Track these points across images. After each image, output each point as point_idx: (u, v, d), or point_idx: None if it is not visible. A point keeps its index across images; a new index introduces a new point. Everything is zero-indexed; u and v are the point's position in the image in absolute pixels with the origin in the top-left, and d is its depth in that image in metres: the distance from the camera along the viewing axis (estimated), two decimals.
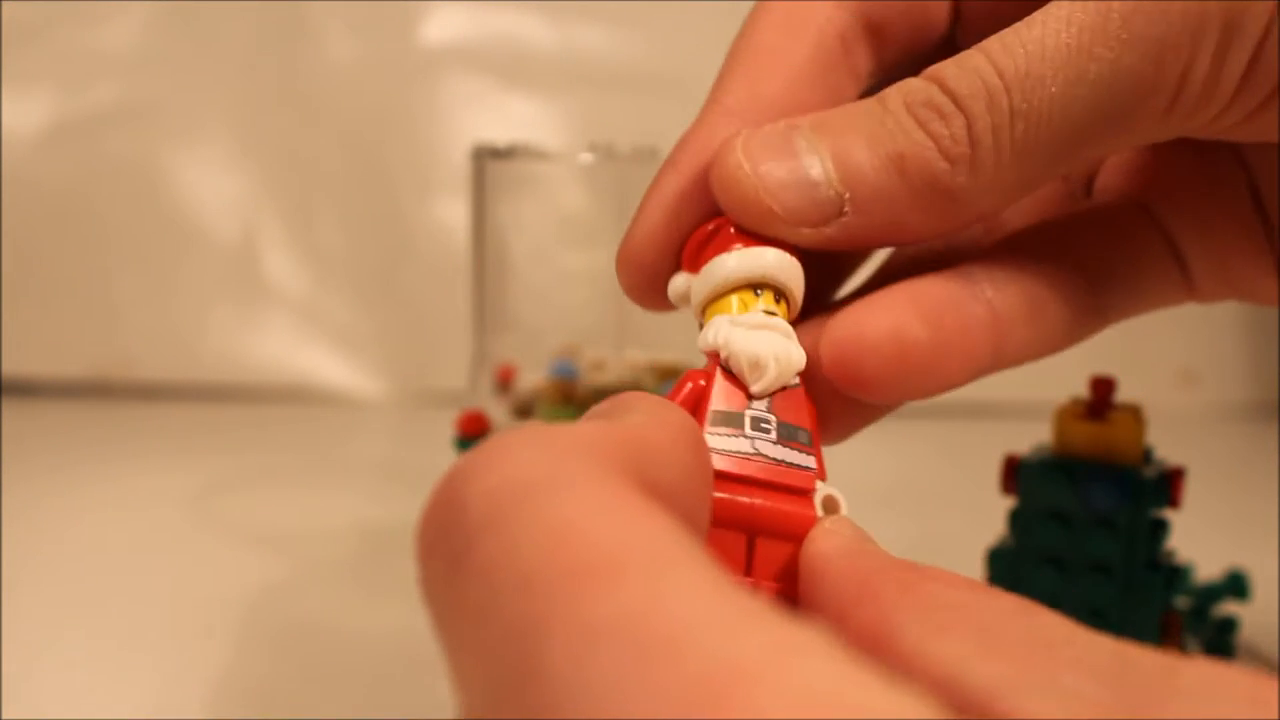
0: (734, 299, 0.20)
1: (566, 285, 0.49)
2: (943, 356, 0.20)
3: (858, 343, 0.20)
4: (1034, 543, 0.30)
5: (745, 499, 0.19)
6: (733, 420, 0.19)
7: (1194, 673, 0.13)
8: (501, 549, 0.13)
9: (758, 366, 0.20)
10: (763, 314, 0.20)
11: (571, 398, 0.40)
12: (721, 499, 0.18)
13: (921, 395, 0.21)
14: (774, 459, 0.19)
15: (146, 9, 0.71)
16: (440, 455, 0.40)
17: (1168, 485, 0.30)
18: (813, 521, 0.19)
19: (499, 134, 0.65)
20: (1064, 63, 0.19)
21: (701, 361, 0.20)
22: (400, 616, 0.40)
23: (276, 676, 0.36)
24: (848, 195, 0.20)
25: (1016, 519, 0.31)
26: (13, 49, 0.70)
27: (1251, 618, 0.36)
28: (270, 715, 0.33)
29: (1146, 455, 0.30)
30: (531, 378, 0.43)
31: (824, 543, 0.18)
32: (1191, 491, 0.31)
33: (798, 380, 0.20)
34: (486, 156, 0.45)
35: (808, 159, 0.20)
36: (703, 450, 0.17)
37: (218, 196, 0.72)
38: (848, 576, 0.17)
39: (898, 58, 0.24)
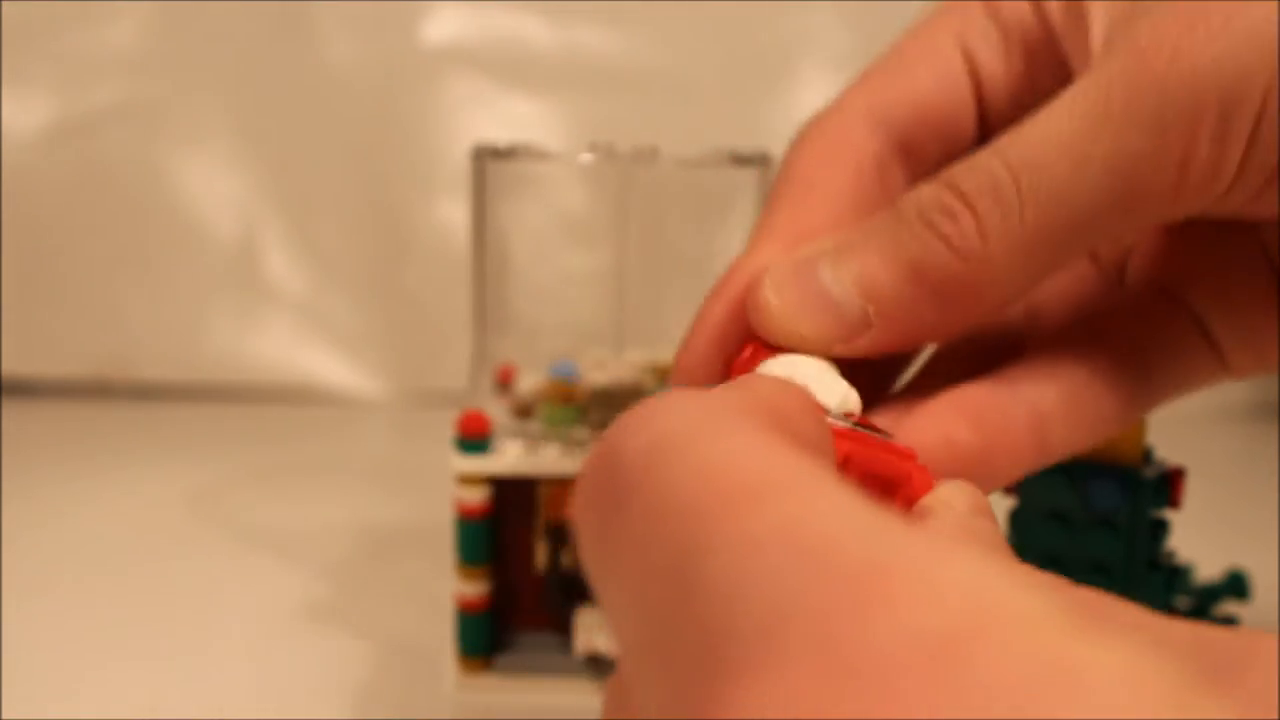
0: None
1: (566, 285, 0.49)
2: (990, 458, 0.22)
3: (905, 443, 0.21)
4: (1034, 543, 0.30)
5: (869, 450, 0.19)
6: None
7: (1269, 646, 0.14)
8: (663, 485, 0.13)
9: (821, 381, 0.21)
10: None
11: (571, 398, 0.40)
12: (848, 448, 0.19)
13: None
14: (874, 430, 0.20)
15: (146, 9, 0.71)
16: (440, 455, 0.40)
17: (1168, 485, 0.30)
18: (929, 480, 0.19)
19: (499, 134, 0.65)
20: (1068, 147, 0.20)
21: None
22: (400, 616, 0.40)
23: (276, 676, 0.36)
24: (872, 309, 0.21)
25: (1017, 519, 0.31)
26: (13, 49, 0.70)
27: (1251, 618, 0.36)
28: (270, 715, 0.33)
29: (1146, 455, 0.30)
30: (531, 378, 0.43)
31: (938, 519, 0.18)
32: (1191, 491, 0.31)
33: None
34: (486, 156, 0.45)
35: (831, 284, 0.22)
36: (824, 422, 0.18)
37: (218, 196, 0.72)
38: None
39: (930, 169, 0.25)
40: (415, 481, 0.53)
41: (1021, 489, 0.31)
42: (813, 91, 0.73)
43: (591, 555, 0.15)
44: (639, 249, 0.47)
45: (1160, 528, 0.31)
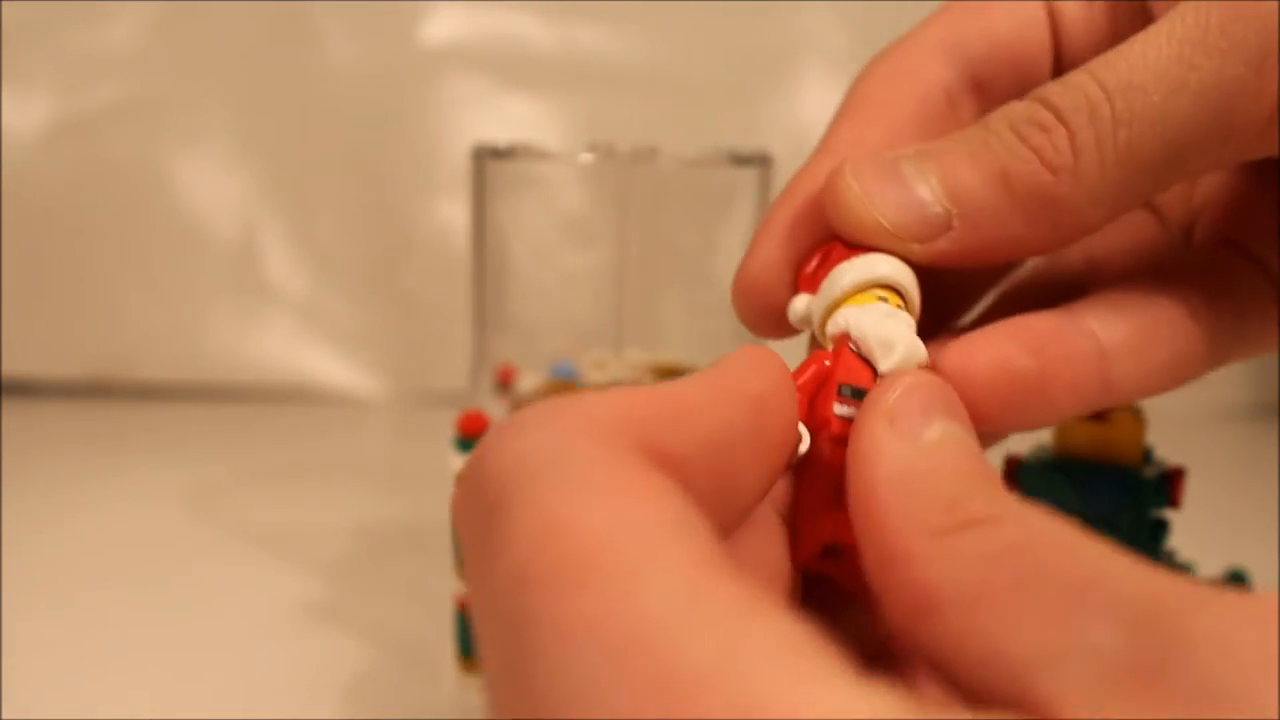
0: (856, 301, 0.21)
1: (566, 285, 0.49)
2: (1049, 386, 0.21)
3: (965, 373, 0.20)
4: None
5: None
6: (858, 395, 0.19)
7: (1208, 623, 0.13)
8: (502, 541, 0.13)
9: (886, 344, 0.20)
10: (890, 306, 0.20)
11: None
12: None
13: (1031, 424, 0.21)
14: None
15: (146, 9, 0.71)
16: (440, 455, 0.40)
17: (1168, 485, 0.30)
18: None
19: (499, 134, 0.65)
20: (1164, 72, 0.20)
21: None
22: (400, 616, 0.40)
23: (276, 676, 0.36)
24: (955, 211, 0.21)
25: None
26: (13, 49, 0.70)
27: None
28: (269, 714, 0.33)
29: (1146, 455, 0.30)
30: (531, 378, 0.43)
31: (872, 467, 0.17)
32: (1191, 491, 0.31)
33: None
34: (486, 156, 0.45)
35: (914, 179, 0.21)
36: (767, 412, 0.17)
37: (218, 196, 0.72)
38: (887, 526, 0.16)
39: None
40: (415, 481, 0.53)
41: (1021, 489, 0.31)
42: (813, 91, 0.73)
43: (465, 565, 0.15)
44: (639, 249, 0.47)
45: (1160, 528, 0.31)
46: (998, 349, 0.21)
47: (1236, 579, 0.36)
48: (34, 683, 0.35)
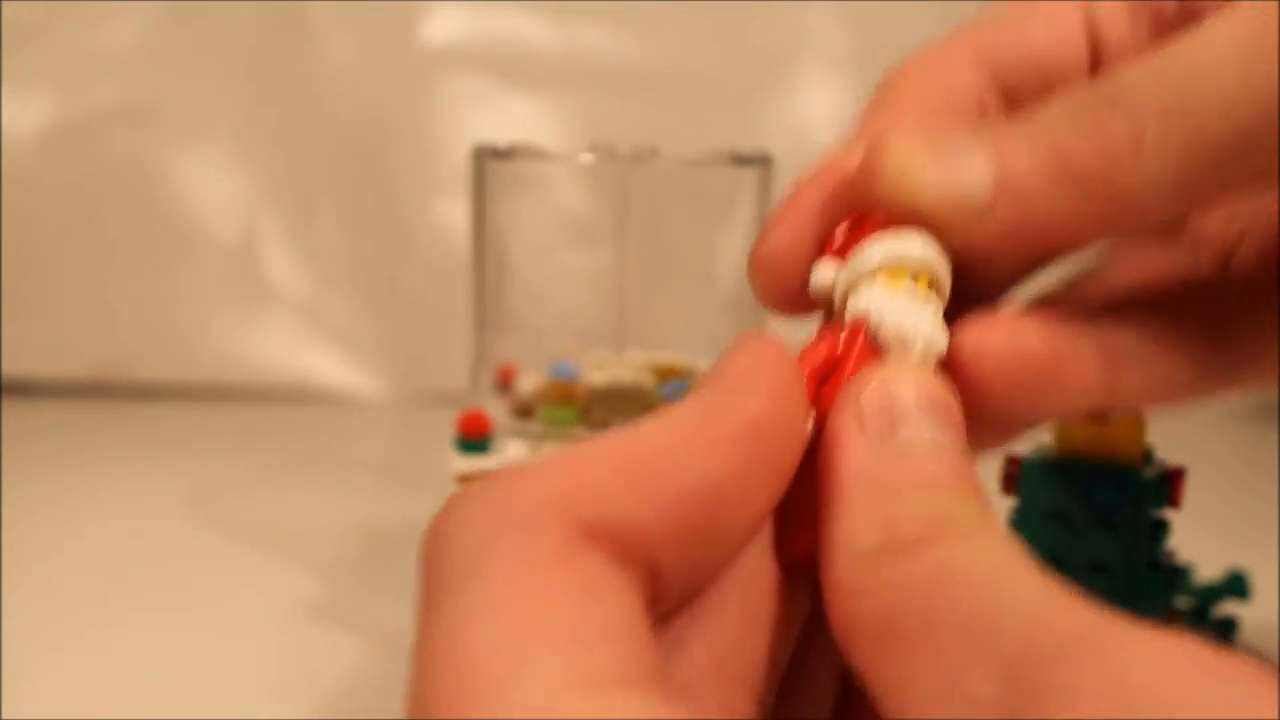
0: (884, 279, 0.20)
1: (566, 285, 0.49)
2: (1058, 374, 0.21)
3: (981, 347, 0.20)
4: (1034, 543, 0.30)
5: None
6: None
7: (1063, 676, 0.13)
8: (422, 637, 0.15)
9: (904, 339, 0.19)
10: (919, 289, 0.20)
11: (571, 398, 0.40)
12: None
13: (1036, 411, 0.21)
14: None
15: (146, 9, 0.71)
16: (440, 455, 0.40)
17: (1168, 485, 0.30)
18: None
19: (499, 134, 0.65)
20: (1228, 66, 0.19)
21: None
22: (400, 616, 0.40)
23: (275, 676, 0.36)
24: (1003, 191, 0.20)
25: (1017, 520, 0.31)
26: (13, 49, 0.70)
27: (1251, 618, 0.36)
28: (269, 714, 0.33)
29: (1146, 455, 0.30)
30: (531, 378, 0.43)
31: (834, 469, 0.17)
32: (1191, 491, 0.31)
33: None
34: (486, 156, 0.45)
35: (962, 153, 0.20)
36: (761, 439, 0.17)
37: (218, 196, 0.72)
38: (829, 543, 0.16)
39: None
40: (415, 481, 0.53)
41: (1021, 489, 0.31)
42: (813, 91, 0.73)
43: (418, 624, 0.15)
44: (639, 249, 0.47)
45: (1160, 528, 0.31)
46: (1015, 329, 0.20)
47: (1236, 579, 0.36)
48: (34, 682, 0.35)
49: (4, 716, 0.33)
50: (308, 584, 0.43)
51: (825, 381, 0.19)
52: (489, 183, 0.45)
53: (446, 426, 0.39)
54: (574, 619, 0.14)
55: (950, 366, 0.20)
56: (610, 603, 0.14)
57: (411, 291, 0.73)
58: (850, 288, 0.20)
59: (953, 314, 0.21)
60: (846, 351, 0.19)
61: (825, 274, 0.20)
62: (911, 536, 0.16)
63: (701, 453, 0.16)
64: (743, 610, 0.17)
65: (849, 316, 0.19)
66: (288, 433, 0.66)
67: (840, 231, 0.21)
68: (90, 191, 0.71)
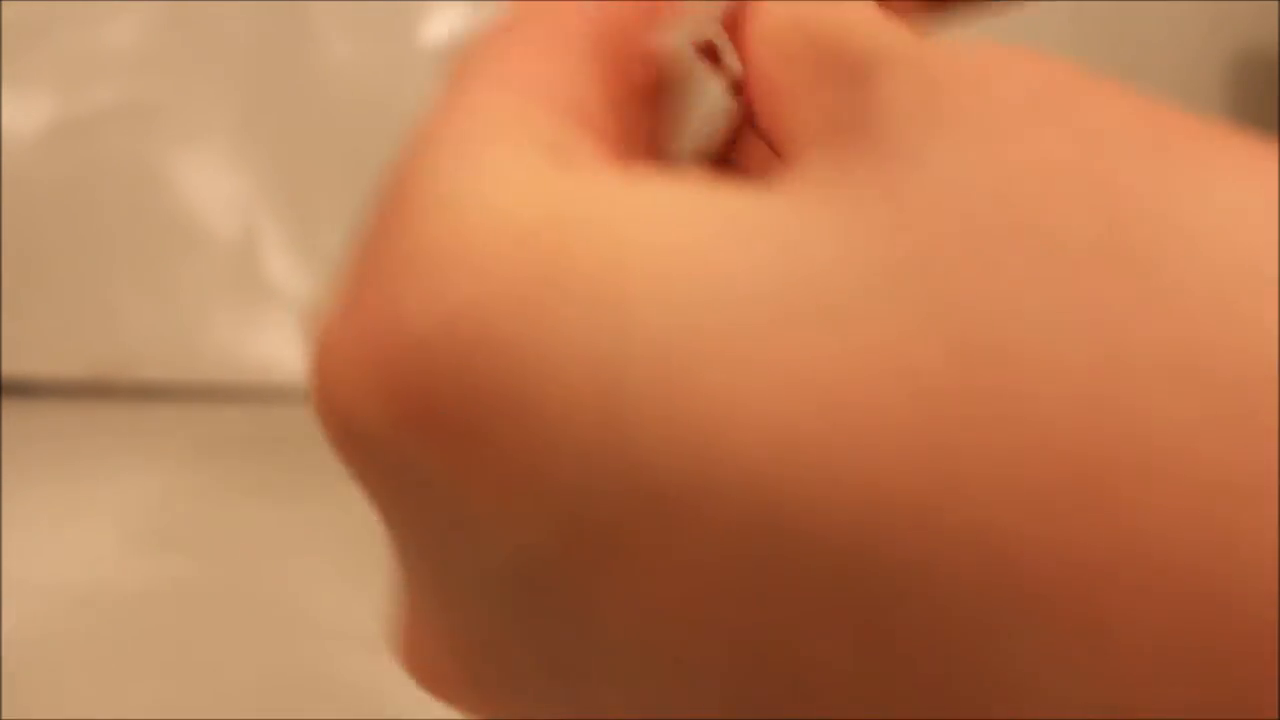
0: None
1: None
2: None
3: None
4: None
5: None
6: None
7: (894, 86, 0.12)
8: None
9: None
10: None
11: None
12: None
13: None
14: None
15: (146, 9, 0.71)
16: None
17: None
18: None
19: None
20: None
21: None
22: None
23: (275, 676, 0.36)
24: None
25: None
26: (13, 49, 0.70)
27: None
28: (270, 715, 0.33)
29: None
30: None
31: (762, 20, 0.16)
32: None
33: None
34: None
35: None
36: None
37: (218, 196, 0.72)
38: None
39: None
40: None
41: None
42: None
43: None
44: None
45: None
46: None
47: None
48: (34, 682, 0.35)
49: (4, 717, 0.33)
50: (307, 584, 0.43)
51: None
52: None
53: None
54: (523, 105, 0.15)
55: None
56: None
57: None
58: None
59: None
60: None
61: None
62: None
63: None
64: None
65: None
66: (288, 433, 0.66)
67: None
68: (90, 191, 0.71)
